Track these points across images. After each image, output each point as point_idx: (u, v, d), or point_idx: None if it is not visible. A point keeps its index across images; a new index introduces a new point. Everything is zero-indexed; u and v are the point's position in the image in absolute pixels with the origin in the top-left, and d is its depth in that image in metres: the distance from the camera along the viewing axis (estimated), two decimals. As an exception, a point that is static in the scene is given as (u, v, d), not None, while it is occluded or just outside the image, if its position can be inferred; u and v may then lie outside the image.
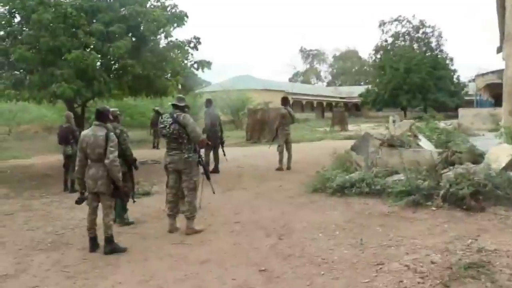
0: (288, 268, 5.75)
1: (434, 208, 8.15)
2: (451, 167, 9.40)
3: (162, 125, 7.60)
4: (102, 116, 6.83)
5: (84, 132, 6.90)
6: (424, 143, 11.72)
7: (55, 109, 25.88)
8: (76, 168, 6.96)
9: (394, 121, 14.96)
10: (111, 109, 8.44)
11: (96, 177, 6.60)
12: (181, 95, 8.06)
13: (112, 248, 6.66)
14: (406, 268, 5.44)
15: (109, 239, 6.68)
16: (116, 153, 6.55)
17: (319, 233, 7.16)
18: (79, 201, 6.97)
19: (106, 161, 6.49)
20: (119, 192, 6.75)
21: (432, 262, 5.55)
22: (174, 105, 7.65)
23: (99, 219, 6.78)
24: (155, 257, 6.45)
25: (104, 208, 6.71)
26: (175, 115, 7.46)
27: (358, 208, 8.63)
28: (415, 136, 12.03)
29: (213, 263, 6.08)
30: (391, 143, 10.78)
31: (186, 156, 7.42)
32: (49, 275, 5.95)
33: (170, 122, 7.45)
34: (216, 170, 13.33)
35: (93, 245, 6.81)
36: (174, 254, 6.53)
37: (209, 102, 13.96)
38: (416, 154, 10.36)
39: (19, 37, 13.50)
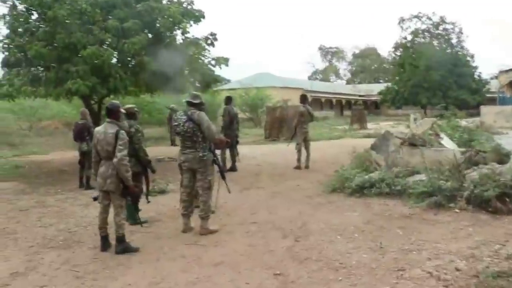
0: (304, 272, 5.52)
1: (457, 210, 7.84)
2: (475, 167, 9.08)
3: (176, 123, 7.41)
4: (112, 113, 6.65)
5: (96, 129, 6.77)
6: (447, 142, 11.39)
7: (74, 106, 25.87)
8: (92, 164, 6.84)
9: (415, 119, 14.59)
10: (128, 106, 8.31)
11: (105, 176, 6.43)
12: (195, 92, 7.86)
13: (123, 247, 6.49)
14: (428, 275, 5.17)
15: (120, 239, 6.51)
16: (125, 152, 6.35)
17: (337, 235, 6.92)
18: (96, 198, 6.83)
19: (114, 159, 6.31)
20: (129, 191, 6.55)
21: (457, 269, 5.27)
22: (188, 102, 7.43)
23: (111, 218, 6.62)
24: (167, 258, 6.27)
25: (114, 207, 6.55)
26: (189, 113, 7.25)
27: (378, 209, 8.36)
28: (437, 135, 11.69)
29: (227, 265, 5.87)
30: (413, 142, 10.49)
31: (200, 154, 7.22)
32: (58, 274, 5.80)
33: (184, 120, 7.25)
34: (233, 168, 13.14)
35: (105, 244, 6.65)
36: (187, 255, 6.33)
37: (228, 100, 13.78)
38: (438, 153, 10.06)
39: (36, 34, 13.39)
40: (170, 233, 7.43)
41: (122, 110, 6.88)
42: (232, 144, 12.80)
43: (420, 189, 8.53)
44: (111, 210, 6.64)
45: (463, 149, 10.67)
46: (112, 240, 6.64)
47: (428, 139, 11.07)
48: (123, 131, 6.48)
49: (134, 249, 6.54)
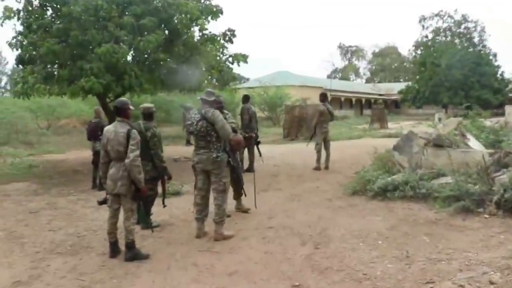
0: (325, 284, 5.14)
1: (486, 216, 7.39)
2: (505, 170, 8.59)
3: (189, 122, 7.08)
4: (120, 111, 6.30)
5: (106, 128, 6.41)
6: (473, 143, 10.89)
7: (92, 104, 25.80)
8: (100, 166, 6.51)
9: (440, 119, 14.10)
10: (145, 105, 7.94)
11: (116, 178, 6.08)
12: (210, 89, 7.46)
13: (133, 254, 6.15)
14: (461, 288, 4.75)
15: (130, 245, 6.17)
16: (137, 152, 5.99)
17: (359, 242, 6.52)
18: (101, 202, 6.50)
19: (126, 160, 5.95)
20: (140, 195, 6.19)
21: (491, 283, 4.85)
22: (202, 100, 7.06)
23: (121, 223, 6.28)
24: (178, 266, 5.93)
25: (125, 211, 6.19)
26: (203, 111, 6.90)
27: (402, 214, 7.93)
28: (463, 135, 11.19)
29: (241, 275, 5.51)
30: (438, 143, 10.01)
31: (214, 155, 6.86)
32: (63, 283, 5.50)
33: (197, 119, 6.90)
34: (250, 169, 12.74)
35: (114, 250, 6.32)
36: (200, 263, 5.97)
37: (246, 98, 13.41)
38: (465, 155, 9.57)
39: (50, 31, 13.15)
40: (183, 239, 7.09)
41: (131, 107, 6.50)
42: (250, 143, 12.41)
43: (447, 193, 8.07)
44: (121, 214, 6.30)
45: (491, 151, 10.18)
46: (122, 245, 6.31)
47: (454, 140, 10.59)
48: (134, 130, 6.13)
49: (144, 256, 6.21)
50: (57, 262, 6.21)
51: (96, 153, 11.20)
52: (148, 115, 7.73)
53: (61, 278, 5.63)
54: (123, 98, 6.75)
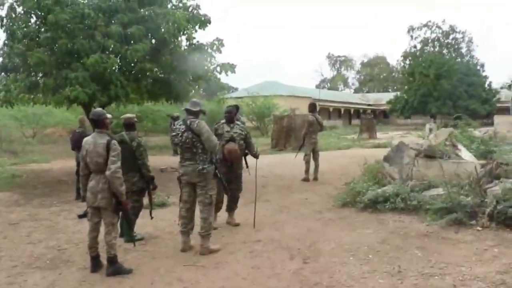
0: (314, 301, 4.92)
1: (479, 228, 7.23)
2: (497, 181, 8.45)
3: (174, 133, 6.86)
4: (98, 123, 6.08)
5: (85, 139, 6.17)
6: (465, 153, 10.77)
7: (78, 113, 25.50)
8: (80, 178, 6.28)
9: (430, 129, 13.99)
10: (126, 116, 7.73)
11: (95, 190, 5.85)
12: (195, 99, 7.26)
13: (115, 269, 5.90)
14: (456, 306, 4.56)
15: (111, 260, 5.92)
16: (119, 164, 5.76)
17: (349, 257, 6.33)
18: (81, 216, 6.26)
19: (107, 172, 5.72)
20: (122, 208, 5.95)
21: (487, 299, 4.66)
22: (187, 110, 6.85)
23: (102, 236, 6.03)
24: (163, 281, 5.70)
25: (105, 225, 5.94)
26: (188, 122, 6.68)
27: (393, 227, 7.75)
28: (455, 146, 11.07)
29: (228, 292, 5.28)
30: (429, 154, 9.87)
31: (200, 167, 6.64)
32: (40, 301, 5.23)
33: (182, 130, 6.69)
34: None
35: (95, 265, 6.08)
36: (185, 278, 5.75)
37: (235, 108, 13.18)
38: (456, 166, 9.43)
39: (36, 39, 12.89)
40: (168, 252, 6.86)
41: (108, 117, 6.28)
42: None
43: (438, 205, 7.91)
44: (103, 228, 6.05)
45: (483, 161, 10.05)
46: (104, 259, 6.06)
47: (445, 151, 10.46)
48: (114, 141, 5.90)
49: (127, 270, 5.96)
50: (35, 277, 5.95)
51: (80, 164, 10.96)
52: (129, 125, 7.52)
53: (38, 295, 5.38)
54: (98, 109, 6.47)
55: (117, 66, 13.67)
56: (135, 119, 7.74)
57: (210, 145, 6.60)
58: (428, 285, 5.18)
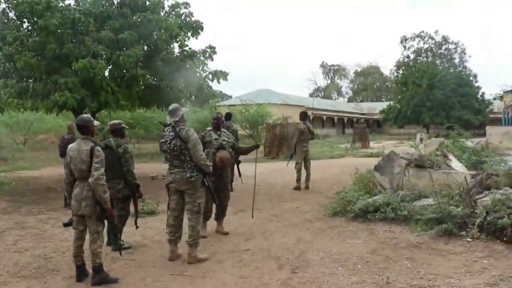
0: (302, 312, 4.86)
1: (469, 239, 7.19)
2: (487, 192, 8.42)
3: (162, 140, 6.78)
4: (83, 129, 5.99)
5: (69, 146, 6.07)
6: (456, 163, 10.74)
7: (70, 119, 25.43)
8: (64, 186, 6.20)
9: (421, 139, 13.97)
10: (113, 122, 7.66)
11: (80, 198, 5.76)
12: (175, 105, 6.98)
13: (100, 278, 5.80)
14: (443, 319, 4.51)
15: (97, 269, 5.82)
16: (102, 171, 5.67)
17: (338, 267, 6.27)
18: (66, 224, 6.17)
19: (90, 179, 5.63)
20: (107, 215, 5.86)
21: (475, 312, 4.61)
22: (173, 121, 6.76)
23: (88, 245, 5.95)
24: (148, 291, 5.60)
25: (90, 234, 5.85)
26: (177, 129, 6.62)
27: (383, 237, 7.70)
28: (445, 156, 11.04)
29: (214, 302, 5.21)
30: (420, 163, 9.83)
31: (188, 175, 6.57)
32: (24, 310, 5.13)
33: (171, 137, 6.62)
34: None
35: (80, 274, 5.97)
36: (171, 288, 5.67)
37: (228, 116, 13.15)
38: (447, 176, 9.40)
39: (26, 43, 12.82)
40: (155, 261, 6.76)
41: (96, 123, 6.21)
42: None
43: (428, 215, 7.85)
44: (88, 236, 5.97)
45: (473, 172, 10.03)
46: (90, 268, 5.97)
47: (435, 160, 10.43)
48: (98, 147, 5.81)
49: (113, 280, 5.87)
50: (20, 287, 5.85)
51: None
52: (116, 131, 7.45)
53: (21, 305, 5.28)
54: (85, 115, 6.36)
55: (108, 72, 13.61)
56: (123, 125, 7.66)
57: (195, 154, 6.52)
58: (416, 296, 5.13)
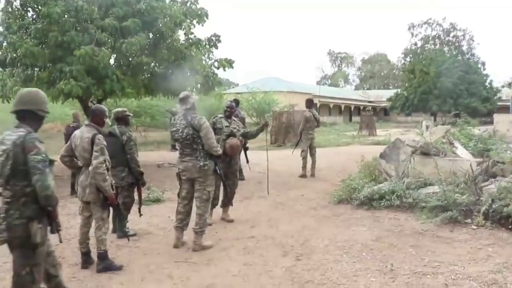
0: (305, 299, 4.87)
1: (474, 227, 7.18)
2: (493, 180, 8.39)
3: (174, 128, 6.75)
4: (92, 117, 6.05)
5: (74, 133, 6.12)
6: (461, 151, 10.70)
7: (77, 108, 25.47)
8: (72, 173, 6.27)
9: (427, 127, 13.90)
10: (117, 110, 7.68)
11: (84, 185, 5.82)
12: (185, 92, 7.05)
13: (105, 265, 5.85)
14: (446, 306, 4.51)
15: (102, 256, 5.87)
16: (101, 159, 5.66)
17: (343, 254, 6.28)
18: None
19: (90, 167, 5.67)
20: (109, 203, 5.88)
21: (478, 299, 4.61)
22: (183, 109, 6.76)
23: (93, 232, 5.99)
24: (153, 278, 5.64)
25: (95, 221, 5.90)
26: (189, 117, 6.59)
27: (388, 224, 7.70)
28: (451, 144, 10.99)
29: (218, 289, 5.23)
30: (425, 151, 9.79)
31: (201, 163, 6.57)
32: (29, 297, 5.15)
33: (183, 126, 6.59)
34: (240, 177, 12.34)
35: (86, 261, 6.03)
36: (176, 275, 5.69)
37: (235, 103, 13.10)
38: (452, 163, 9.36)
39: (29, 31, 12.82)
40: (160, 248, 6.79)
41: (106, 121, 6.25)
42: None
43: (434, 203, 7.84)
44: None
45: (479, 159, 9.98)
46: (95, 255, 6.01)
47: (441, 148, 10.39)
48: (100, 136, 5.81)
49: (117, 267, 5.90)
50: (25, 273, 5.89)
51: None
52: (120, 119, 7.45)
53: (27, 291, 5.31)
54: (102, 106, 6.43)
55: (113, 60, 13.59)
56: (127, 113, 7.66)
57: (207, 142, 6.52)
58: (419, 284, 5.13)
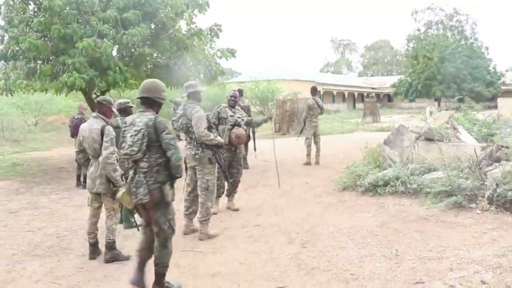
0: (311, 285, 4.93)
1: (479, 212, 7.19)
2: (497, 164, 8.38)
3: (174, 118, 6.90)
4: (100, 107, 6.10)
5: (82, 125, 6.20)
6: (465, 136, 10.68)
7: (81, 100, 25.50)
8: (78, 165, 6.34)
9: (431, 112, 13.88)
10: (120, 101, 7.72)
11: (94, 176, 5.88)
12: (189, 82, 7.19)
13: (113, 255, 5.92)
14: (451, 289, 4.54)
15: (110, 245, 5.94)
16: (111, 149, 5.71)
17: (348, 241, 6.31)
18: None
19: (100, 158, 5.72)
20: None
21: (483, 282, 4.64)
22: (188, 95, 6.84)
23: (102, 223, 6.04)
24: (160, 267, 5.66)
25: (107, 211, 6.00)
26: (185, 107, 6.67)
27: (393, 210, 7.72)
28: (455, 129, 10.97)
29: (225, 276, 5.29)
30: (429, 137, 9.79)
31: (193, 152, 6.68)
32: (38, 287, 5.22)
33: (179, 115, 6.69)
34: (245, 165, 12.39)
35: (93, 252, 6.10)
36: (182, 264, 5.75)
37: (239, 92, 13.10)
38: (456, 148, 9.36)
39: (31, 25, 12.81)
40: (166, 238, 6.83)
41: (114, 111, 6.31)
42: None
43: (438, 188, 7.85)
44: (103, 214, 6.07)
45: (483, 144, 9.98)
46: (102, 246, 6.06)
47: (445, 133, 10.38)
48: (109, 126, 5.88)
49: (125, 257, 5.97)
50: (34, 265, 5.96)
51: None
52: (124, 110, 7.48)
53: (36, 282, 5.39)
54: (108, 97, 6.50)
55: (115, 51, 13.60)
56: (129, 104, 7.70)
57: (196, 131, 6.56)
58: (424, 268, 5.15)
